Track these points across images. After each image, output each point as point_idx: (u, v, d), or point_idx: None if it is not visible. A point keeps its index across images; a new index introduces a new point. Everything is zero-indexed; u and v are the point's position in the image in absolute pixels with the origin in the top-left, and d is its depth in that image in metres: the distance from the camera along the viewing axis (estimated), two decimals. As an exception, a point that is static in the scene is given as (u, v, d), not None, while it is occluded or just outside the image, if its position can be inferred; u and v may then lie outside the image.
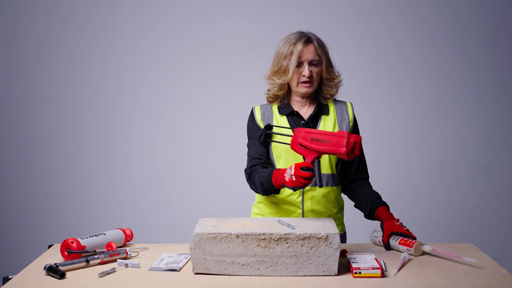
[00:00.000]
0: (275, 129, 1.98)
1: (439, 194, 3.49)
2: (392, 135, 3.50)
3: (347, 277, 1.61)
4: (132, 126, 3.56)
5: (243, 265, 1.62)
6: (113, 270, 1.67)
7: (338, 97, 2.09)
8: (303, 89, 1.98)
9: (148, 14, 3.50)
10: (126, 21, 3.51)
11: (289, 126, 2.00)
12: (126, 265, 1.72)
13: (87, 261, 1.70)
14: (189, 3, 3.49)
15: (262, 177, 1.90)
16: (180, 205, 3.55)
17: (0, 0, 3.49)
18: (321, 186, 1.76)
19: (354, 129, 2.07)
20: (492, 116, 3.47)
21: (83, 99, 3.54)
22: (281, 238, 1.60)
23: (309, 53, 1.95)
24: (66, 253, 1.74)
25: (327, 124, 2.02)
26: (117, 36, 3.52)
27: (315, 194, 1.99)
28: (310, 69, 1.95)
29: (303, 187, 1.76)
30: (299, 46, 1.94)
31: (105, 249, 1.82)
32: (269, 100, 2.07)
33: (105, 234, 1.88)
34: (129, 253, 1.80)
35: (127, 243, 1.97)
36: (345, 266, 1.68)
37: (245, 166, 2.04)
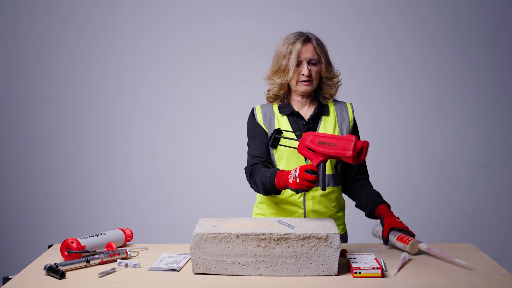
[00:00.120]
0: (284, 134, 1.99)
1: (439, 194, 3.49)
2: (392, 135, 3.50)
3: (347, 277, 1.61)
4: (132, 126, 3.56)
5: (243, 265, 1.62)
6: (113, 270, 1.67)
7: (338, 97, 2.09)
8: (303, 87, 1.98)
9: (148, 14, 3.50)
10: (126, 21, 3.51)
11: (290, 128, 2.00)
12: (126, 265, 1.72)
13: (87, 261, 1.70)
14: (189, 3, 3.49)
15: (264, 176, 1.89)
16: (180, 205, 3.55)
17: (0, 0, 3.49)
18: (324, 190, 1.77)
19: (354, 129, 2.08)
20: (492, 116, 3.47)
21: (83, 99, 3.54)
22: (281, 238, 1.60)
23: (308, 52, 1.96)
24: (66, 253, 1.74)
25: (328, 124, 2.02)
26: (117, 36, 3.52)
27: (316, 194, 1.99)
28: (309, 68, 1.96)
29: (306, 190, 1.76)
30: (298, 45, 1.95)
31: (105, 249, 1.82)
32: (269, 100, 2.07)
33: (105, 234, 1.88)
34: (129, 253, 1.80)
35: (127, 243, 1.97)
36: (345, 266, 1.68)
37: (245, 165, 2.04)
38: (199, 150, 3.55)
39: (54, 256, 1.82)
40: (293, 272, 1.61)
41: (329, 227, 1.65)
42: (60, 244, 1.78)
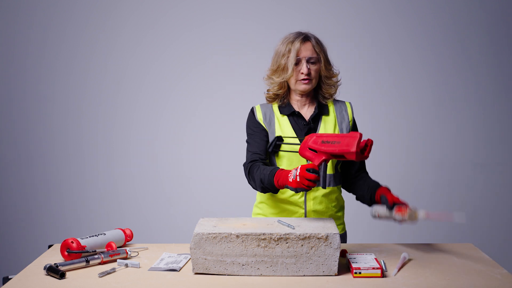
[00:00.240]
0: (285, 140, 1.98)
1: (439, 194, 3.49)
2: (392, 135, 3.50)
3: (347, 277, 1.61)
4: (132, 126, 3.56)
5: (243, 265, 1.62)
6: (113, 270, 1.67)
7: (337, 96, 2.10)
8: (302, 86, 1.98)
9: (148, 14, 3.50)
10: (126, 21, 3.51)
11: (291, 128, 2.00)
12: (126, 265, 1.72)
13: (87, 261, 1.70)
14: (189, 3, 3.49)
15: (263, 174, 1.88)
16: (180, 205, 3.55)
17: (0, 0, 3.49)
18: (324, 188, 1.76)
19: (354, 128, 2.08)
20: (492, 116, 3.47)
21: (83, 99, 3.54)
22: (281, 238, 1.60)
23: (307, 50, 1.96)
24: (66, 253, 1.74)
25: (328, 124, 2.02)
26: (117, 36, 3.52)
27: (318, 195, 1.99)
28: (308, 66, 1.96)
29: (306, 190, 1.76)
30: (297, 44, 1.95)
31: (105, 249, 1.82)
32: (269, 99, 2.07)
33: (105, 234, 1.88)
34: (129, 253, 1.80)
35: (127, 243, 1.97)
36: (345, 266, 1.68)
37: (244, 162, 2.03)
38: (199, 150, 3.55)
39: (54, 256, 1.82)
40: (293, 272, 1.61)
41: (329, 227, 1.65)
42: (60, 244, 1.78)
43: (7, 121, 3.55)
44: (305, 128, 2.01)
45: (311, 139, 1.79)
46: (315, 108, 2.03)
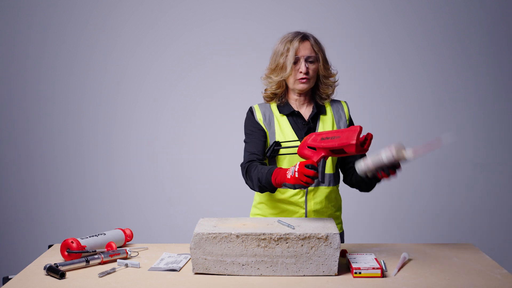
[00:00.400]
0: (283, 144, 1.98)
1: (439, 194, 3.49)
2: (392, 135, 3.49)
3: (347, 277, 1.61)
4: (132, 126, 3.56)
5: (243, 265, 1.62)
6: (113, 270, 1.67)
7: (335, 96, 2.11)
8: (300, 85, 1.99)
9: (148, 14, 3.50)
10: (126, 21, 3.51)
11: (290, 127, 2.00)
12: (126, 265, 1.72)
13: (87, 261, 1.70)
14: (189, 3, 3.49)
15: (260, 173, 1.87)
16: (180, 205, 3.55)
17: (0, 0, 3.49)
18: (323, 182, 1.75)
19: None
20: (492, 116, 3.47)
21: (83, 99, 3.54)
22: (281, 238, 1.60)
23: (306, 49, 1.96)
24: (66, 253, 1.74)
25: (326, 124, 2.02)
26: (117, 36, 3.52)
27: (318, 194, 1.99)
28: (307, 65, 1.96)
29: (304, 187, 1.76)
30: (296, 43, 1.96)
31: (105, 249, 1.82)
32: (267, 99, 2.07)
33: (105, 234, 1.88)
34: (129, 253, 1.80)
35: (127, 243, 1.97)
36: (345, 266, 1.68)
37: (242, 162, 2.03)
38: (199, 150, 3.55)
39: (54, 256, 1.82)
40: (293, 272, 1.61)
41: (329, 227, 1.65)
42: (60, 244, 1.78)
43: (7, 121, 3.55)
44: (304, 127, 2.01)
45: (310, 137, 1.79)
46: (313, 108, 2.03)
